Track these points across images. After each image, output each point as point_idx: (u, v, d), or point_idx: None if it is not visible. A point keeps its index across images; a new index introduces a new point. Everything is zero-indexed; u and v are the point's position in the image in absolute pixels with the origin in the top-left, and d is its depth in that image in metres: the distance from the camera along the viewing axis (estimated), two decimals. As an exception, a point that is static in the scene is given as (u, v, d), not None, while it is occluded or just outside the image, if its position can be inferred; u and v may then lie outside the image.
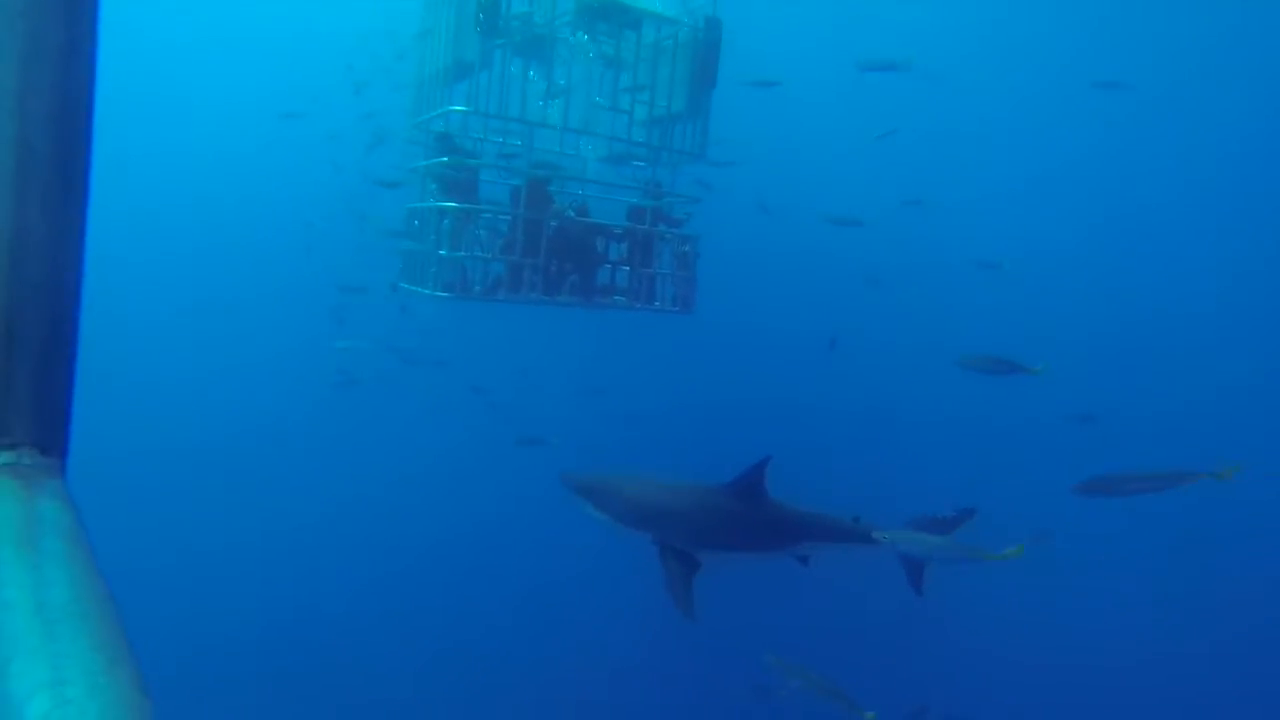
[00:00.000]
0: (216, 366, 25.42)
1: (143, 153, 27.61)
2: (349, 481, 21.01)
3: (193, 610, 15.65)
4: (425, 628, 16.59)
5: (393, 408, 23.09)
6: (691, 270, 11.05)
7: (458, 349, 21.16)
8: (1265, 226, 30.14)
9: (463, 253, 9.54)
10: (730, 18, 10.42)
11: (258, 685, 14.44)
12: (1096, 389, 24.70)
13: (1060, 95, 30.20)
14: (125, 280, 23.07)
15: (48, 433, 1.17)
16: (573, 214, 10.08)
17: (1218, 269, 30.60)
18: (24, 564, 0.88)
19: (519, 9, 9.51)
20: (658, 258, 10.78)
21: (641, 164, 11.38)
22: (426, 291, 9.80)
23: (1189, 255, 30.99)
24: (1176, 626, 17.61)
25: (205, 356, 25.62)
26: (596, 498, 9.27)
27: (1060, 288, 29.69)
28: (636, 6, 9.90)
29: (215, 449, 22.01)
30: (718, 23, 10.34)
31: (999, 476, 21.12)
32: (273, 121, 25.20)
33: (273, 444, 22.74)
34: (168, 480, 20.35)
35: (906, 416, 24.00)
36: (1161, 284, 30.36)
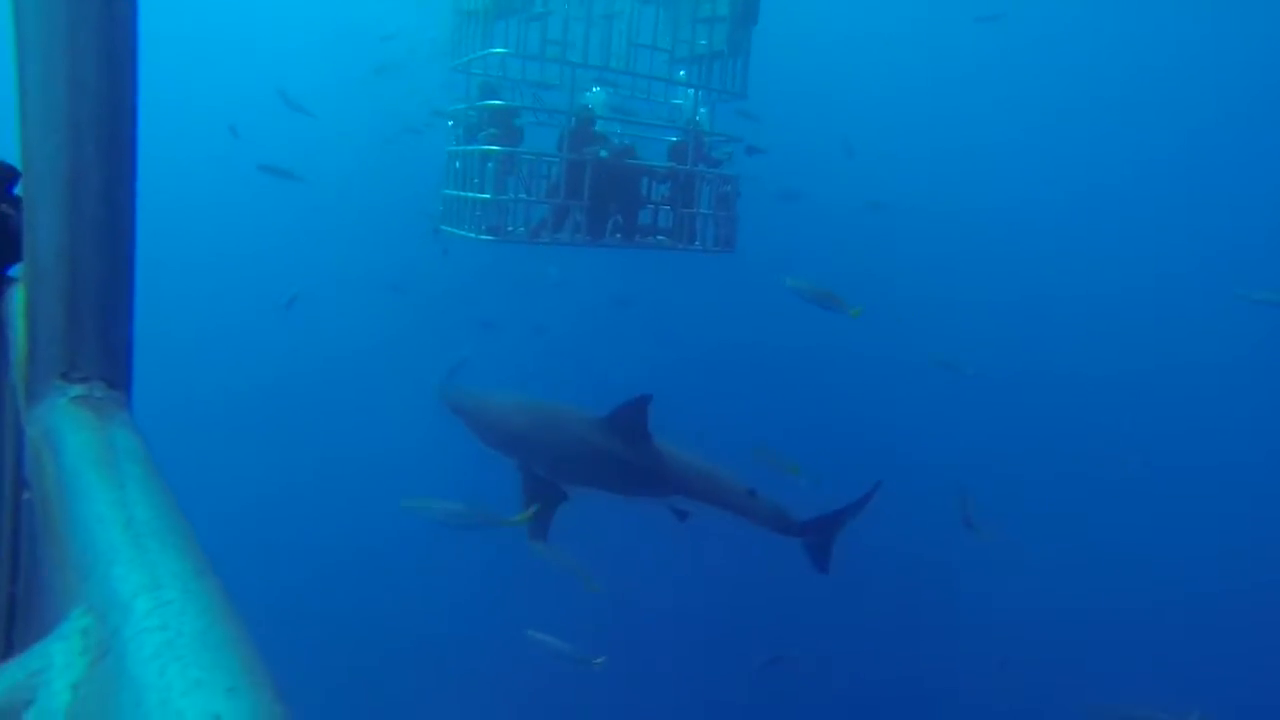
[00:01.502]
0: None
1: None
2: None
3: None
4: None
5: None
6: (733, 210, 10.92)
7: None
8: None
9: (507, 196, 9.42)
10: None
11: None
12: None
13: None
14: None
15: (113, 368, 1.22)
16: (616, 154, 9.94)
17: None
18: (108, 484, 0.93)
19: None
20: (699, 198, 10.67)
21: (680, 102, 11.22)
22: (469, 234, 9.74)
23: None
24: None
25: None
26: (468, 416, 8.93)
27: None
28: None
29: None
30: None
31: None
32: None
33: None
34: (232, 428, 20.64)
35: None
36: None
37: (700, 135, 10.45)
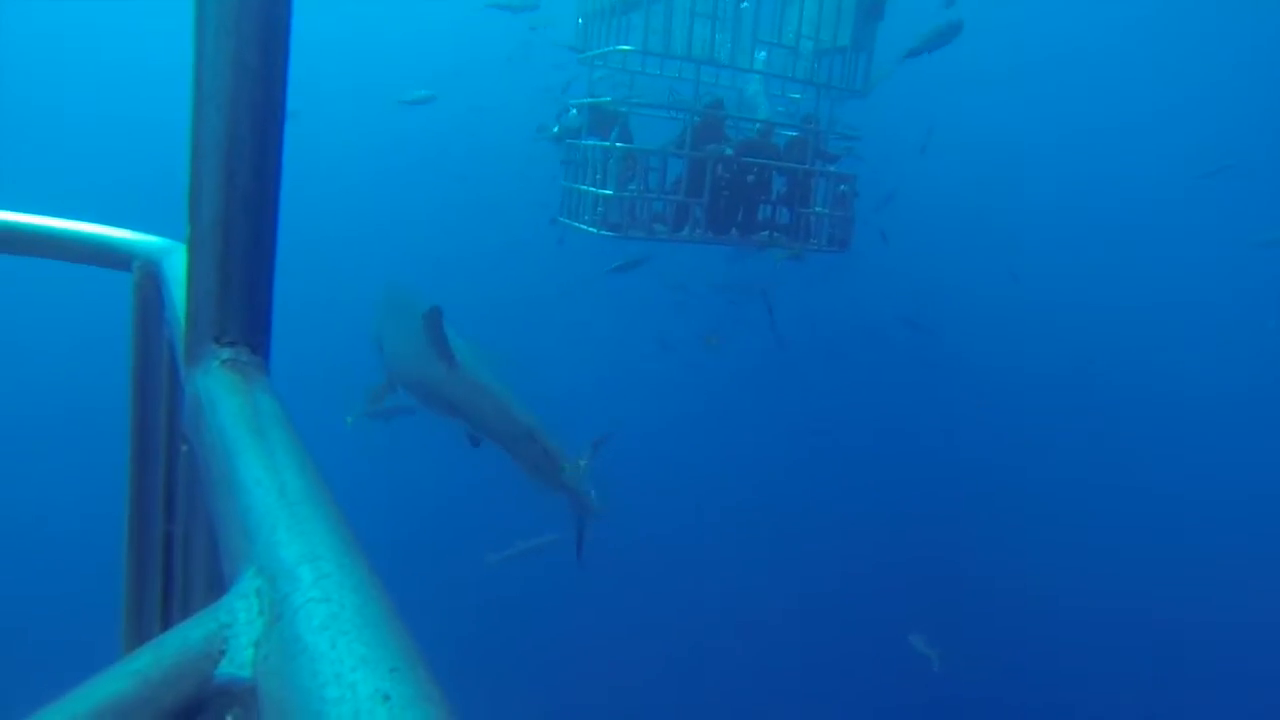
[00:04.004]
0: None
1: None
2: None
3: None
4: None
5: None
6: (849, 209, 10.67)
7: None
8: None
9: (628, 192, 9.37)
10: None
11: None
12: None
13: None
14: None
15: (256, 333, 1.29)
16: (735, 149, 9.82)
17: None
18: (260, 450, 0.99)
19: None
20: (815, 196, 10.47)
21: (799, 97, 11.03)
22: (588, 229, 9.77)
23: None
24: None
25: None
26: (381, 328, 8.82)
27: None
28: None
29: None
30: (887, -48, 9.77)
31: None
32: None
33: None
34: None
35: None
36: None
37: (817, 132, 10.27)
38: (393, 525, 15.36)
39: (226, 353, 1.24)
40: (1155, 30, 26.90)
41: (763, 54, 10.13)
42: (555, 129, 10.62)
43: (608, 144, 9.39)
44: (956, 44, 10.51)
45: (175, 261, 1.79)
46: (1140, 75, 28.77)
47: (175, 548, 1.59)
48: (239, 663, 0.70)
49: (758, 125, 10.13)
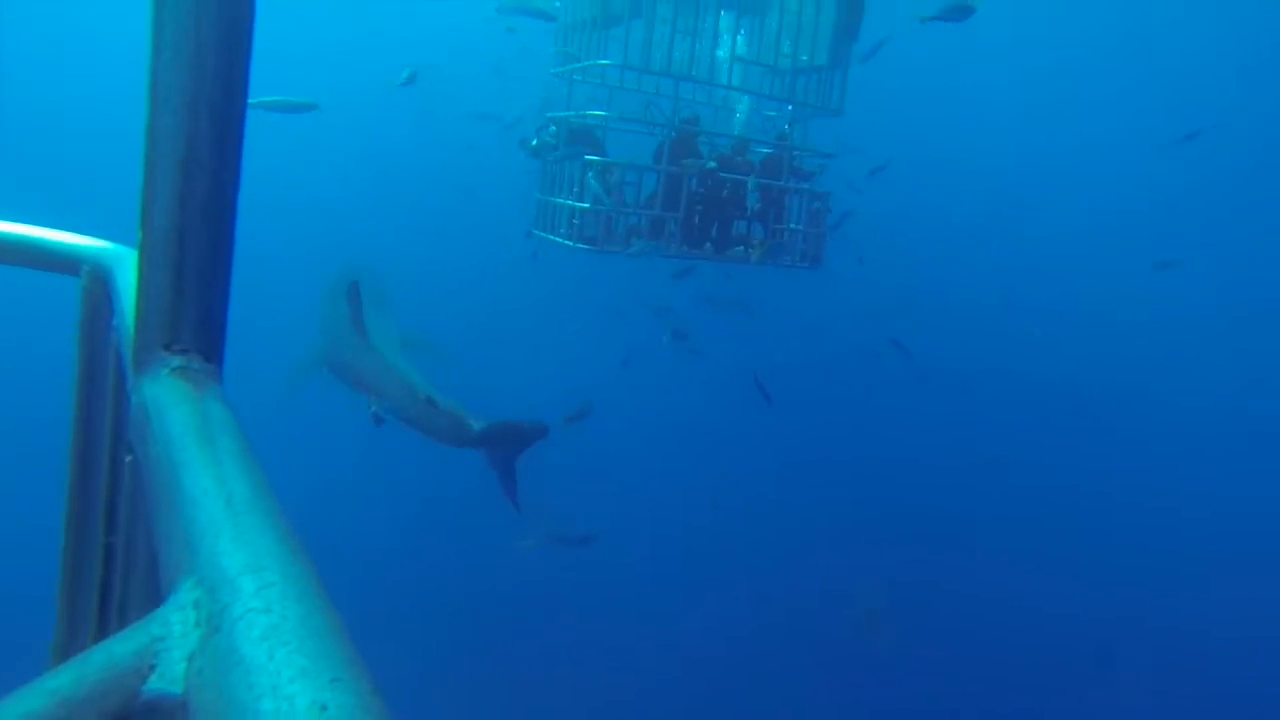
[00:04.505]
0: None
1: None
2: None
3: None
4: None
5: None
6: (822, 227, 10.73)
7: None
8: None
9: (603, 206, 9.34)
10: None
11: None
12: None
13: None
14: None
15: (209, 341, 1.26)
16: (717, 164, 9.83)
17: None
18: (208, 458, 0.95)
19: None
20: (789, 213, 10.52)
21: (774, 115, 11.09)
22: (565, 242, 9.71)
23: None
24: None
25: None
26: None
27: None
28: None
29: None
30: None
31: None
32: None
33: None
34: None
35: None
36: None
37: (792, 150, 10.32)
38: (369, 527, 15.25)
39: (177, 360, 1.21)
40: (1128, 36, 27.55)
41: (740, 71, 10.17)
42: (534, 142, 10.59)
43: (585, 157, 9.38)
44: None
45: (126, 267, 1.74)
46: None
47: (115, 561, 1.53)
48: (170, 678, 0.67)
49: (732, 142, 10.17)
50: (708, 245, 10.10)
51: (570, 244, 9.59)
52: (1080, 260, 28.96)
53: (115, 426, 1.61)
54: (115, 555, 1.55)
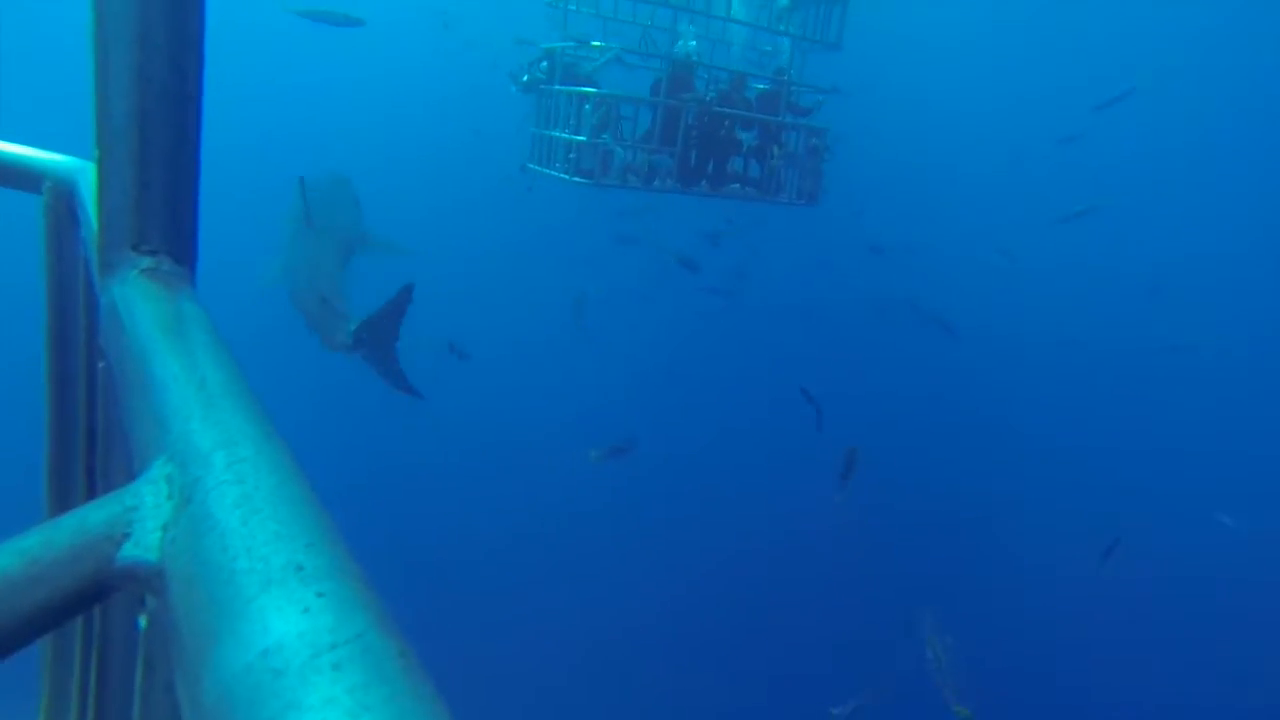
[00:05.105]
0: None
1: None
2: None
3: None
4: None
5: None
6: (819, 162, 10.58)
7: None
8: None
9: (601, 140, 9.18)
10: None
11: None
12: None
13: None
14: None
15: (179, 242, 1.23)
16: (714, 100, 9.64)
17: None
18: (178, 350, 0.94)
19: None
20: (786, 149, 10.35)
21: (770, 50, 10.85)
22: (560, 175, 9.62)
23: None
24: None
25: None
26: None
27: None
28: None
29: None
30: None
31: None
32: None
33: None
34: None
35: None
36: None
37: (788, 85, 10.12)
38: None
39: (146, 261, 1.17)
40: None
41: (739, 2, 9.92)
42: (525, 78, 10.36)
43: (582, 90, 9.18)
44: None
45: (90, 181, 1.69)
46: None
47: (95, 475, 1.51)
48: (145, 545, 0.67)
49: (730, 76, 9.96)
50: (703, 182, 9.97)
51: (566, 177, 9.47)
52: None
53: (89, 338, 1.57)
54: (95, 471, 1.53)
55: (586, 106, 9.15)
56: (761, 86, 10.34)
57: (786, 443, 15.81)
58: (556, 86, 9.61)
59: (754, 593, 14.39)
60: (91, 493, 1.57)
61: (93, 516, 0.69)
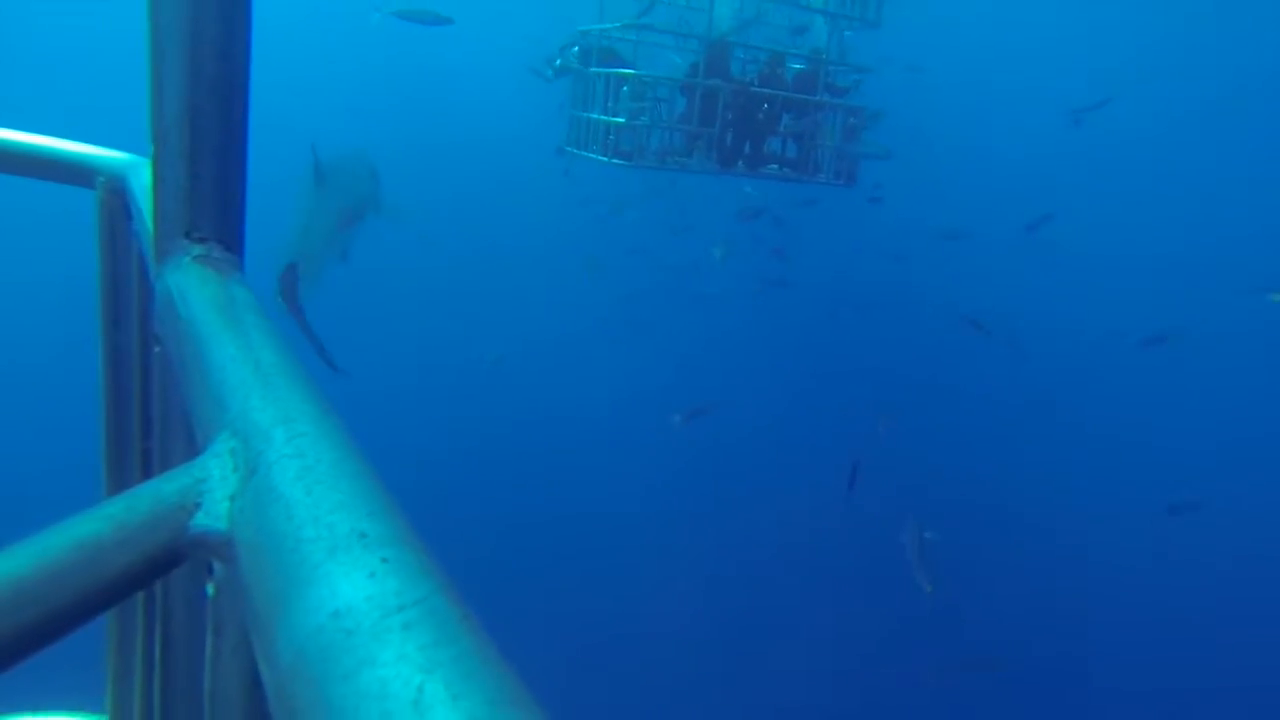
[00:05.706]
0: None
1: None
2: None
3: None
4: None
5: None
6: (856, 143, 10.43)
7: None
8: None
9: (640, 122, 9.20)
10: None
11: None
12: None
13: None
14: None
15: (228, 230, 1.26)
16: (753, 80, 9.56)
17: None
18: (233, 331, 0.98)
19: None
20: (823, 129, 10.22)
21: (804, 27, 10.69)
22: (598, 157, 9.61)
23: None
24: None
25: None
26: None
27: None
28: None
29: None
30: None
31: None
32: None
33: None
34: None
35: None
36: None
37: (826, 65, 9.98)
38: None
39: (198, 249, 1.21)
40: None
41: None
42: (558, 62, 10.36)
43: (620, 71, 9.17)
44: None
45: (143, 176, 1.72)
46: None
47: (152, 459, 1.55)
48: (215, 515, 0.70)
49: (767, 56, 9.85)
50: (740, 164, 9.92)
51: (605, 159, 9.47)
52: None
53: (142, 325, 1.61)
54: (152, 452, 1.57)
55: (624, 89, 9.13)
56: (798, 66, 10.22)
57: (825, 439, 15.78)
58: (593, 69, 9.59)
59: (783, 591, 14.36)
60: (147, 472, 1.61)
61: (166, 488, 0.73)
